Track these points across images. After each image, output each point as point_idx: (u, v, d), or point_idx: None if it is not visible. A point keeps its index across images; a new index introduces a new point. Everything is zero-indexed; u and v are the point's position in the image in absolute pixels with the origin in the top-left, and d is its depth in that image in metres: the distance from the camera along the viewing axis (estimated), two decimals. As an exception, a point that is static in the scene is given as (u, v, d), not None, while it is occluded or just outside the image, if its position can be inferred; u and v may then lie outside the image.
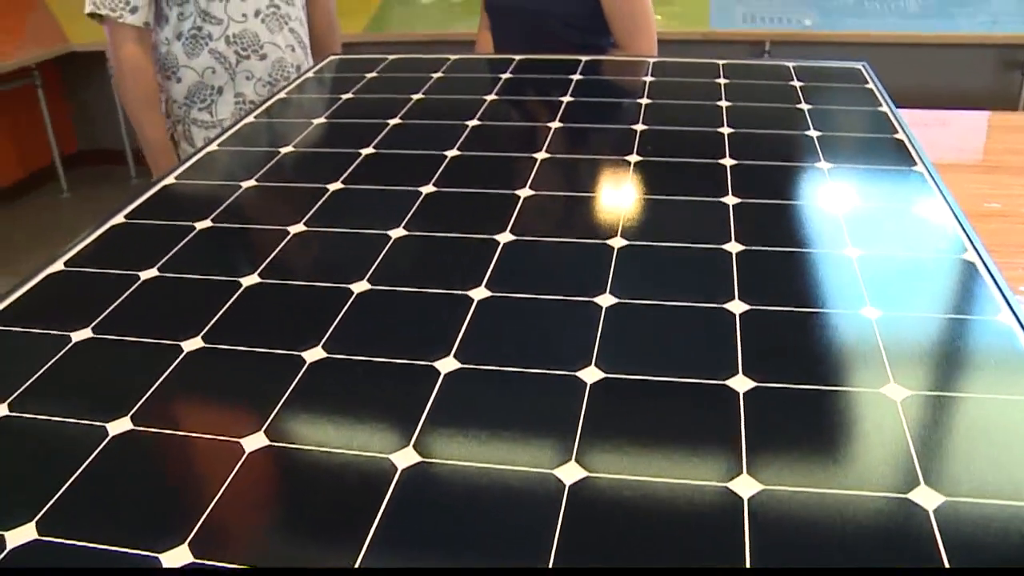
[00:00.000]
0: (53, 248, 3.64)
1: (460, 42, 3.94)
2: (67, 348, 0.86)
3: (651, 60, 1.69)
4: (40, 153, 5.04)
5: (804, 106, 1.43)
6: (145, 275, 0.98)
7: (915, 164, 1.21)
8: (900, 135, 1.32)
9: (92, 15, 1.97)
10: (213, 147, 1.35)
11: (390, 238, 1.01)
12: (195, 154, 1.33)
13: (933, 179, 1.15)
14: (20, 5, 4.92)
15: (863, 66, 1.69)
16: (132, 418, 0.76)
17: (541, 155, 1.22)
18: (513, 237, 0.99)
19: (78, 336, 0.88)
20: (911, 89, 4.14)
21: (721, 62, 1.67)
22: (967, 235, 1.00)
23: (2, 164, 4.91)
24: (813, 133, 1.31)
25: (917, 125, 1.82)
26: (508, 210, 1.06)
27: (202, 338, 0.86)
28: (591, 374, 0.77)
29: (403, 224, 1.04)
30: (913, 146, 1.27)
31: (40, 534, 0.64)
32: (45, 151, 5.01)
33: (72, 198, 5.01)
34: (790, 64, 1.67)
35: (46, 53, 4.56)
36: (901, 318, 0.84)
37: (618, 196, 1.10)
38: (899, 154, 1.25)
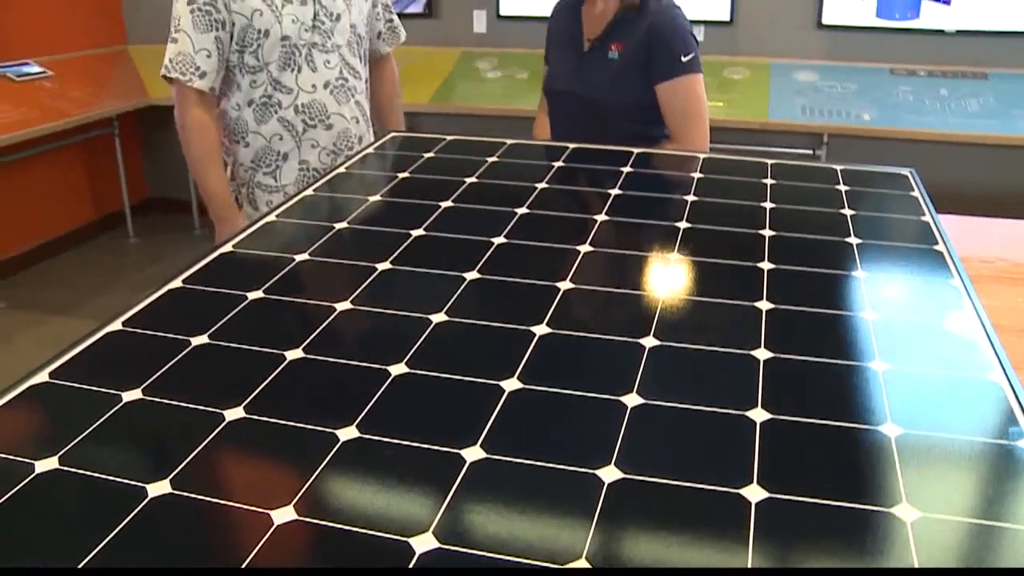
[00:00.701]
0: (116, 292, 3.78)
1: (521, 118, 4.03)
2: (118, 407, 0.91)
3: (701, 156, 1.73)
4: (112, 198, 5.22)
5: (847, 212, 1.45)
6: (196, 341, 1.03)
7: (952, 277, 1.22)
8: (940, 246, 1.34)
9: (165, 77, 2.08)
10: (272, 217, 1.41)
11: (431, 322, 1.05)
12: (255, 223, 1.39)
13: (968, 294, 1.17)
14: (110, 59, 5.15)
15: (910, 173, 1.71)
16: (171, 481, 0.80)
17: (584, 248, 1.26)
18: (549, 330, 1.03)
19: (129, 396, 0.93)
20: (967, 189, 4.14)
21: (770, 162, 1.70)
22: (997, 355, 1.01)
23: (76, 206, 5.09)
24: (853, 240, 1.33)
25: (963, 233, 1.83)
26: (547, 302, 1.10)
27: (244, 408, 0.90)
28: (610, 473, 0.79)
29: (444, 309, 1.08)
30: (952, 259, 1.29)
31: (76, 591, 0.68)
32: (116, 197, 5.19)
33: (138, 243, 5.16)
34: (838, 167, 1.70)
35: (126, 106, 4.76)
36: (921, 437, 0.85)
37: (654, 294, 1.13)
38: (937, 266, 1.26)
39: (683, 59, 1.94)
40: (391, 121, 2.44)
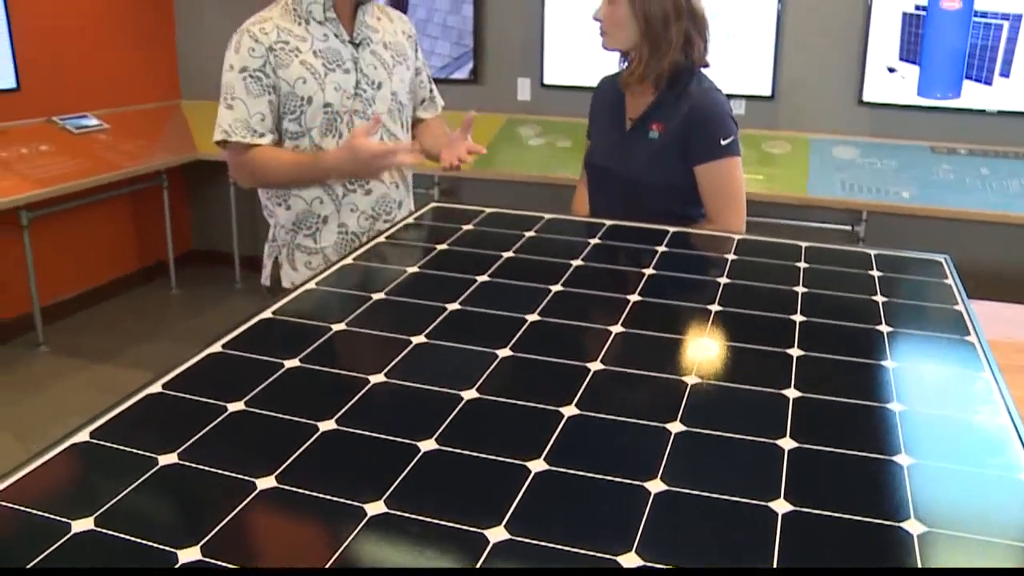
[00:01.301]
0: (157, 342, 3.83)
1: (561, 186, 4.08)
2: (153, 470, 0.94)
3: (736, 237, 1.75)
4: (156, 249, 5.33)
5: (879, 298, 1.46)
6: (233, 407, 1.06)
7: (983, 370, 1.22)
8: (972, 337, 1.34)
9: (222, 142, 2.14)
10: (312, 284, 1.44)
11: (462, 399, 1.07)
12: (295, 289, 1.43)
13: (1000, 389, 1.17)
14: (164, 113, 5.30)
15: (944, 259, 1.72)
16: (201, 548, 0.82)
17: (616, 328, 1.28)
18: (577, 411, 1.05)
19: (164, 460, 0.96)
20: (1007, 270, 4.11)
21: (804, 244, 1.72)
22: (1025, 454, 1.01)
23: (121, 255, 5.20)
24: (884, 328, 1.34)
25: (998, 320, 1.83)
26: (577, 382, 1.11)
27: (275, 477, 0.92)
28: (630, 560, 0.80)
29: (476, 386, 1.10)
30: (984, 351, 1.29)
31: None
32: (161, 247, 5.30)
33: (180, 295, 5.25)
34: (871, 252, 1.70)
35: (176, 159, 4.89)
36: (945, 537, 0.85)
37: (683, 378, 1.14)
38: (968, 358, 1.27)
39: (722, 142, 1.97)
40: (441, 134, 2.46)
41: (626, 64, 2.11)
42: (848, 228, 4.22)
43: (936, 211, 3.87)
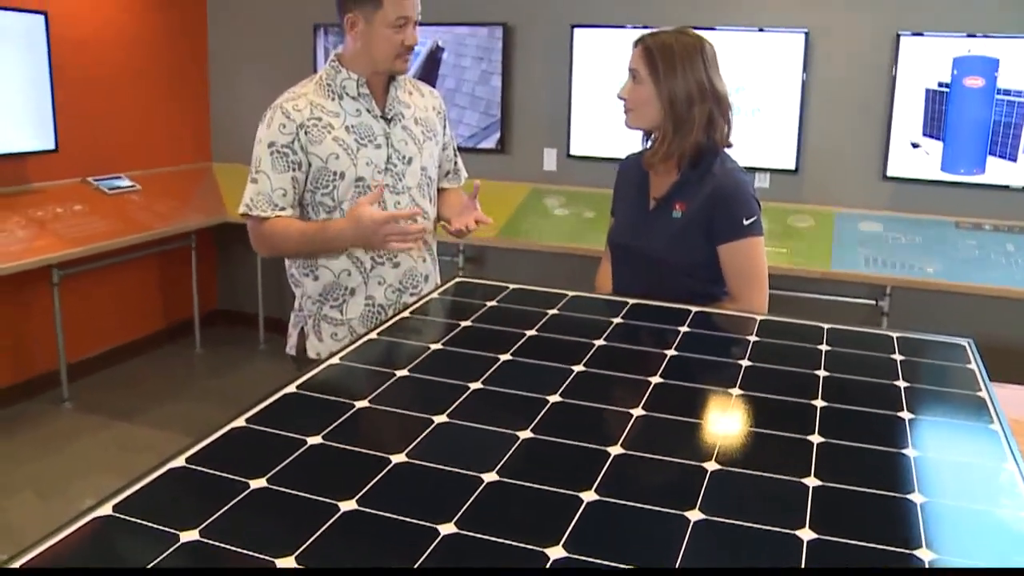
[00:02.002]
0: (180, 401, 3.84)
1: (585, 257, 4.11)
2: (173, 548, 0.95)
3: (759, 318, 1.76)
4: (182, 308, 5.40)
5: (901, 383, 1.46)
6: (255, 484, 1.07)
7: (1006, 460, 1.22)
8: (995, 425, 1.33)
9: (244, 215, 2.19)
10: (336, 360, 1.46)
11: (482, 481, 1.08)
12: (320, 364, 1.44)
13: (1024, 481, 1.16)
14: (195, 175, 5.41)
15: (968, 343, 1.71)
16: (222, 631, 0.82)
17: (637, 411, 1.29)
18: (597, 497, 1.05)
19: (186, 537, 0.97)
20: (1036, 348, 4.08)
21: (826, 326, 1.72)
22: (1049, 551, 1.00)
23: (147, 314, 5.27)
24: (906, 415, 1.34)
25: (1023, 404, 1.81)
26: (597, 467, 1.12)
27: (295, 558, 0.93)
28: (648, 656, 0.80)
29: (496, 468, 1.11)
30: (1007, 440, 1.28)
31: None
32: (187, 307, 5.36)
33: (204, 354, 5.29)
34: (894, 335, 1.70)
35: (204, 221, 4.97)
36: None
37: (702, 464, 1.14)
38: (992, 448, 1.26)
39: (745, 222, 1.99)
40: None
41: (649, 143, 2.14)
42: (872, 303, 4.21)
43: (961, 287, 3.86)
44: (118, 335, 5.06)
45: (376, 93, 2.25)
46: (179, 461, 1.14)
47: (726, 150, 2.08)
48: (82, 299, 4.72)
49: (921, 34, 4.11)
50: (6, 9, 4.12)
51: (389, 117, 2.25)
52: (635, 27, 4.45)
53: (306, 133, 2.16)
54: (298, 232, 2.18)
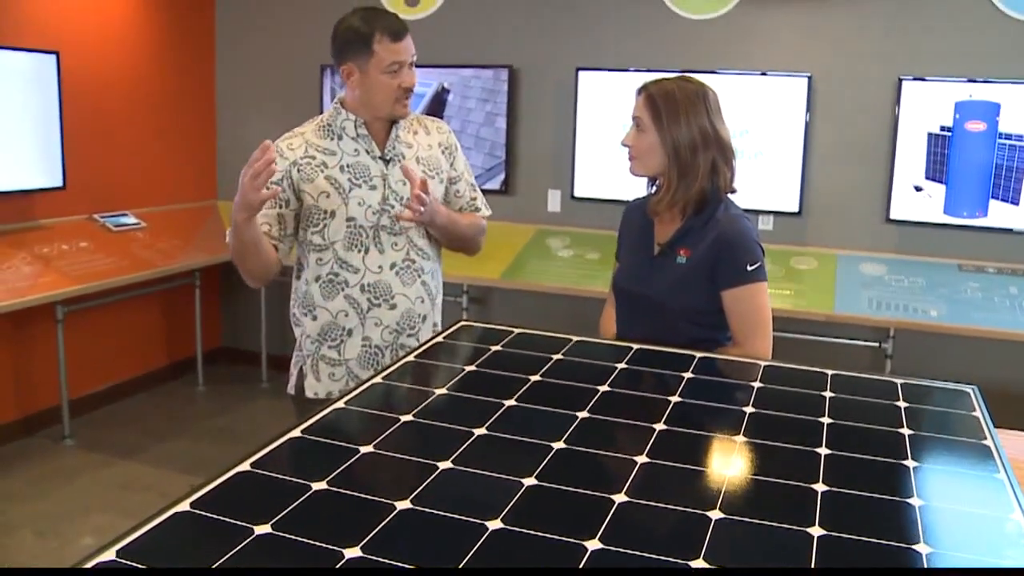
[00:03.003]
0: (181, 439, 3.83)
1: (589, 298, 4.12)
2: (180, 595, 0.95)
3: (763, 364, 1.76)
4: (185, 346, 5.40)
5: (906, 431, 1.46)
6: (260, 530, 1.07)
7: (1013, 511, 1.21)
8: (1001, 475, 1.33)
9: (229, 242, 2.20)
10: (340, 404, 1.47)
11: (487, 529, 1.08)
12: (324, 408, 1.45)
13: (1029, 532, 1.16)
14: (200, 213, 5.44)
15: (972, 390, 1.71)
16: None
17: (641, 459, 1.29)
18: (601, 545, 1.05)
19: (191, 584, 0.97)
20: (1041, 392, 4.07)
21: (830, 372, 1.72)
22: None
23: (149, 351, 5.27)
24: (910, 463, 1.33)
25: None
26: (602, 514, 1.12)
27: (300, 608, 0.93)
28: None
29: (501, 516, 1.11)
30: (1013, 491, 1.28)
31: None
32: (190, 344, 5.36)
33: (206, 392, 5.29)
34: (898, 381, 1.70)
35: (209, 260, 4.99)
36: None
37: (707, 513, 1.14)
38: (998, 498, 1.25)
39: (749, 268, 2.00)
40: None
41: (654, 188, 2.15)
42: (875, 345, 4.21)
43: (965, 330, 3.86)
44: (121, 371, 5.06)
45: (377, 135, 2.27)
46: (184, 505, 1.14)
47: (729, 196, 2.09)
48: (85, 335, 4.73)
49: (923, 79, 4.15)
50: (19, 49, 4.17)
51: (388, 158, 2.27)
52: (638, 71, 4.51)
53: (299, 171, 2.19)
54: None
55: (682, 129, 2.00)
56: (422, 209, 2.13)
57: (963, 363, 4.14)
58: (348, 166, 2.23)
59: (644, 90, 2.07)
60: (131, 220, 4.90)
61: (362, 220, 2.21)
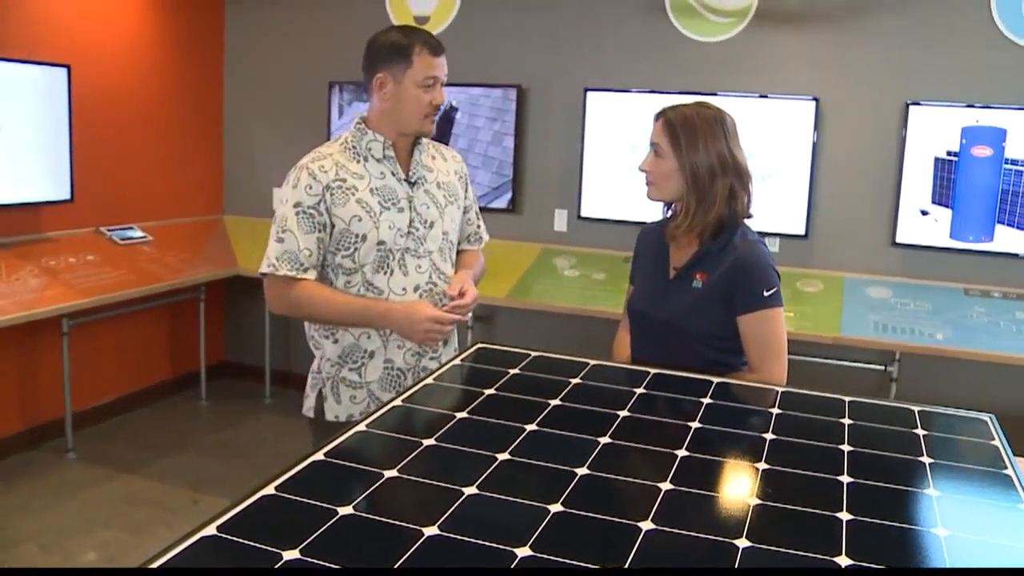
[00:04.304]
0: (184, 454, 3.83)
1: (595, 319, 4.12)
2: (211, 620, 0.95)
3: (779, 390, 1.77)
4: (189, 360, 5.40)
5: (926, 459, 1.46)
6: (288, 555, 1.07)
7: (1036, 542, 1.21)
8: (1024, 505, 1.33)
9: (268, 274, 2.18)
10: (362, 427, 1.47)
11: (516, 556, 1.08)
12: (347, 431, 1.45)
13: (1054, 565, 1.16)
14: (206, 227, 5.44)
15: (990, 419, 1.71)
16: None
17: (665, 485, 1.29)
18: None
19: (222, 608, 0.97)
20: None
21: (847, 399, 1.73)
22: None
23: (153, 365, 5.27)
24: (933, 492, 1.34)
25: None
26: (629, 542, 1.12)
27: (332, 634, 0.93)
28: None
29: (529, 543, 1.11)
30: (1038, 522, 1.28)
31: None
32: (194, 359, 5.36)
33: (209, 406, 5.28)
34: (915, 408, 1.71)
35: (215, 274, 5.00)
36: None
37: (733, 542, 1.14)
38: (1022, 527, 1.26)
39: (765, 294, 2.00)
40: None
41: (670, 212, 2.16)
42: (881, 368, 4.21)
43: (971, 354, 3.86)
44: (124, 385, 5.06)
45: (401, 156, 2.28)
46: (210, 529, 1.14)
47: (746, 221, 2.10)
48: (90, 348, 4.72)
49: (930, 104, 4.17)
50: (31, 62, 4.19)
51: (413, 181, 2.28)
52: (646, 92, 4.52)
53: (331, 195, 2.18)
54: (344, 303, 2.19)
55: (700, 155, 2.01)
56: (467, 315, 2.28)
57: (969, 388, 4.14)
58: (376, 189, 2.23)
59: (662, 116, 2.08)
60: (138, 233, 4.90)
61: (391, 243, 2.22)
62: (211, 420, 5.11)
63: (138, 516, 3.85)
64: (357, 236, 2.18)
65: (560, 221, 4.87)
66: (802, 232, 4.38)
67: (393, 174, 2.25)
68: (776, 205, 4.39)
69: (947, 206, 4.20)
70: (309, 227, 2.16)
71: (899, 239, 4.28)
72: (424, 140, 2.34)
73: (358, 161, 2.24)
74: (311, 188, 2.17)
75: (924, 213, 4.24)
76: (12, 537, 3.61)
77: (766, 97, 4.39)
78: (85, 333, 4.62)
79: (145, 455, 4.50)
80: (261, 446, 4.73)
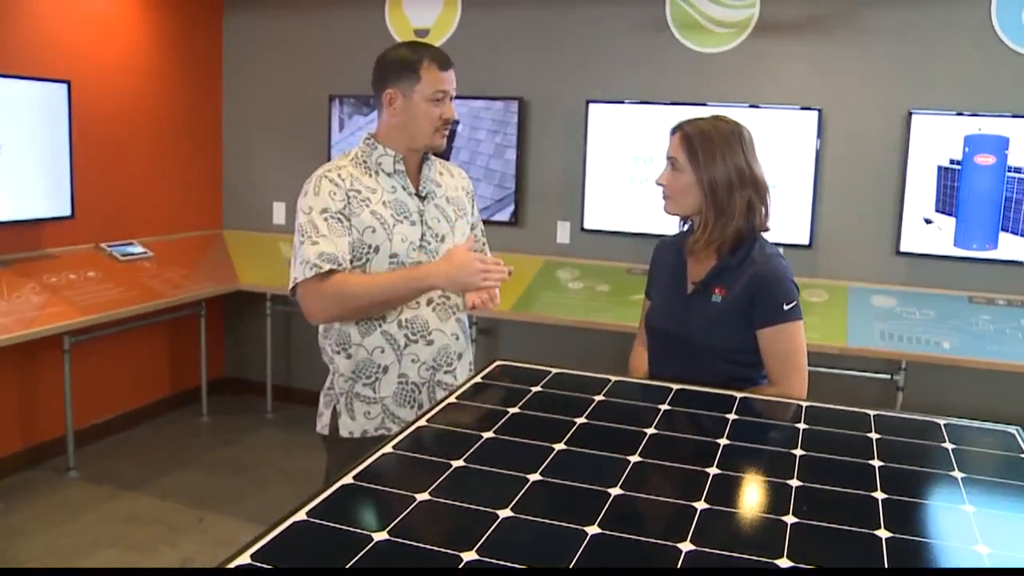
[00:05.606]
0: (186, 471, 3.81)
1: (599, 331, 4.11)
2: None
3: (804, 404, 1.75)
4: (189, 376, 5.38)
5: (958, 474, 1.45)
6: (324, 583, 1.05)
7: (1078, 559, 1.20)
8: (1061, 521, 1.32)
9: (298, 284, 2.13)
10: (388, 448, 1.45)
11: (556, 582, 1.06)
12: (372, 453, 1.43)
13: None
14: (206, 242, 5.42)
15: (1016, 431, 1.70)
16: None
17: (700, 504, 1.27)
18: (676, 599, 1.03)
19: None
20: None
21: (872, 412, 1.71)
22: None
23: (155, 381, 5.24)
24: (968, 508, 1.32)
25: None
26: (671, 564, 1.10)
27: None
28: None
29: (571, 565, 1.09)
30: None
31: None
32: (194, 374, 5.34)
33: (210, 423, 5.25)
34: (941, 422, 1.70)
35: (216, 289, 4.97)
36: None
37: (775, 562, 1.13)
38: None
39: (785, 307, 1.99)
40: None
41: (687, 227, 2.15)
42: (887, 377, 4.20)
43: (977, 362, 3.86)
44: (125, 402, 5.03)
45: (410, 171, 2.27)
46: (245, 558, 1.12)
47: (763, 234, 2.09)
48: (91, 365, 4.70)
49: (932, 112, 4.17)
50: (31, 79, 4.17)
51: (423, 195, 2.27)
52: (649, 103, 4.52)
53: (351, 201, 2.18)
54: (385, 279, 2.16)
55: (718, 168, 2.00)
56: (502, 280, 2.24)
57: (977, 396, 4.14)
58: (388, 202, 2.22)
59: (679, 129, 2.07)
60: (138, 249, 4.88)
61: (403, 256, 2.20)
62: (213, 436, 5.08)
63: (141, 535, 3.81)
64: (370, 247, 2.17)
65: (563, 233, 4.85)
66: (806, 242, 4.38)
67: (404, 188, 2.24)
68: (780, 215, 4.37)
69: (951, 214, 4.20)
70: (341, 230, 2.14)
71: (903, 248, 4.28)
72: (431, 156, 2.33)
73: (369, 175, 2.23)
74: (335, 194, 2.15)
75: (928, 222, 4.24)
76: (14, 559, 3.57)
77: (768, 107, 4.38)
78: (86, 350, 4.59)
79: (147, 473, 4.46)
80: (264, 462, 4.69)
